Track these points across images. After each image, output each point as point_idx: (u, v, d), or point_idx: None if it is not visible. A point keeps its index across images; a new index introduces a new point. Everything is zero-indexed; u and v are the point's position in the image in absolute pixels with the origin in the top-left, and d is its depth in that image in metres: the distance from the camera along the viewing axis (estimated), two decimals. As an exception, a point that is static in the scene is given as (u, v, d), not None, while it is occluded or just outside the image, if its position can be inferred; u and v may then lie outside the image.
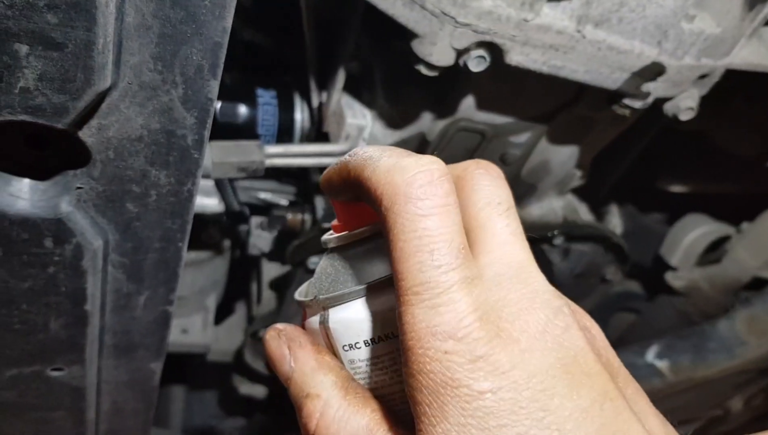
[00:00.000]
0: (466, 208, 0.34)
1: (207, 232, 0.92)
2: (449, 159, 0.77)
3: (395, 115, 0.72)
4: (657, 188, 1.27)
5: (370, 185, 0.32)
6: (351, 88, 0.74)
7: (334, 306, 0.35)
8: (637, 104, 0.65)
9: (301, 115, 0.86)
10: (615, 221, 1.12)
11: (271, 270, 0.96)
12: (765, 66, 0.73)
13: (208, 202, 0.92)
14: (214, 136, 0.85)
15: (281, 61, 0.90)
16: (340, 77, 0.74)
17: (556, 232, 0.85)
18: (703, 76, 0.66)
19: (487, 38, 0.56)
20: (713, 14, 0.61)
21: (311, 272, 0.83)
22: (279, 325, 0.38)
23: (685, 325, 1.32)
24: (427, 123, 0.72)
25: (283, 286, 0.89)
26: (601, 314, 1.51)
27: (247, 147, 0.66)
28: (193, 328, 1.07)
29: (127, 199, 0.44)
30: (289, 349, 0.37)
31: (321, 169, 0.80)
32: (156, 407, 1.43)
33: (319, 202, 0.82)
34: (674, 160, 1.23)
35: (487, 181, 0.35)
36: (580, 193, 1.06)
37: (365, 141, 0.75)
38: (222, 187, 0.90)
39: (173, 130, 0.40)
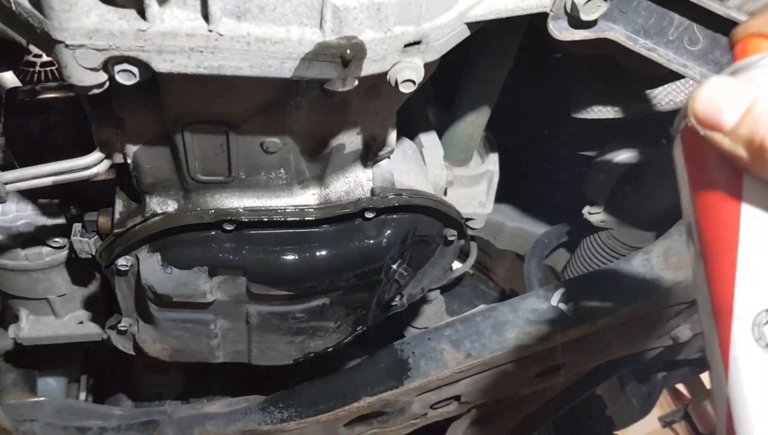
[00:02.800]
0: None
1: (50, 238, 0.96)
2: (207, 159, 0.74)
3: (134, 126, 0.70)
4: (576, 119, 1.18)
5: None
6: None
7: None
8: (338, 87, 0.59)
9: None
10: (492, 169, 1.05)
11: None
12: (517, 8, 0.65)
13: (45, 209, 0.95)
14: (15, 152, 0.86)
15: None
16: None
17: (367, 206, 0.81)
18: (414, 43, 0.59)
19: (115, 53, 0.53)
20: (391, -22, 0.55)
21: (122, 274, 0.84)
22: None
23: (615, 258, 1.24)
24: (165, 128, 0.70)
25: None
26: (543, 246, 1.45)
27: (-22, 178, 0.67)
28: (89, 319, 1.13)
29: None
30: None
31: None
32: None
33: (118, 206, 0.83)
34: (586, 87, 1.14)
35: None
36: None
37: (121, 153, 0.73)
38: (59, 198, 0.92)
39: None
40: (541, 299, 1.12)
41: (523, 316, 1.12)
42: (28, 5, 0.51)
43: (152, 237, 0.79)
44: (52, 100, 0.88)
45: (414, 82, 0.61)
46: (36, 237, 0.95)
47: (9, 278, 1.02)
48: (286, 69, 0.57)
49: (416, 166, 0.90)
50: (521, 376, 1.18)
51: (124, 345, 1.01)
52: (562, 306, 1.11)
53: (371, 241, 0.85)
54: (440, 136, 1.01)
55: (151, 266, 0.82)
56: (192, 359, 1.01)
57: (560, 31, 0.68)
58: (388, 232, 0.85)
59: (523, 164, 1.37)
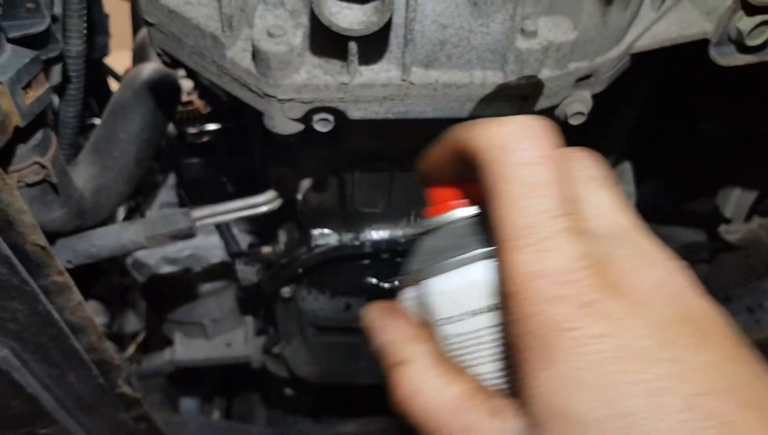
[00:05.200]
0: (571, 182, 0.31)
1: (212, 267, 1.03)
2: (371, 193, 0.79)
3: (310, 165, 0.76)
4: (705, 132, 1.17)
5: (471, 143, 0.31)
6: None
7: (430, 277, 0.35)
8: (511, 123, 0.63)
9: (262, 158, 0.92)
10: (628, 190, 1.05)
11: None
12: (680, 37, 0.67)
13: (208, 241, 1.03)
14: (185, 191, 0.95)
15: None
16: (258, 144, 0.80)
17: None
18: (585, 77, 0.62)
19: (318, 105, 0.58)
20: (568, 19, 0.58)
21: (286, 301, 0.90)
22: (379, 302, 0.38)
23: (752, 279, 1.20)
24: (338, 167, 0.75)
25: (270, 310, 0.98)
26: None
27: (174, 216, 0.74)
28: (236, 342, 1.20)
29: (5, 322, 0.55)
30: (388, 320, 0.36)
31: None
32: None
33: (281, 237, 0.89)
34: (718, 100, 1.12)
35: (588, 160, 0.34)
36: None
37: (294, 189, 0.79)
38: (220, 230, 1.00)
39: (-4, 278, 0.50)
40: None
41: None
42: (245, 65, 0.57)
43: (316, 266, 0.85)
44: (214, 141, 0.96)
45: (584, 114, 0.63)
46: (199, 266, 1.03)
47: (171, 304, 1.11)
48: (465, 110, 0.61)
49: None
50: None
51: (276, 367, 1.08)
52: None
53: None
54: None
55: (314, 293, 0.87)
56: (339, 381, 1.06)
57: (723, 56, 0.68)
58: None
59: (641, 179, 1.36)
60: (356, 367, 1.02)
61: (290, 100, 0.57)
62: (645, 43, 0.66)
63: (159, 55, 0.68)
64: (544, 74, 0.59)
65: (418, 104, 0.59)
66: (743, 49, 0.67)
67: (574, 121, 0.64)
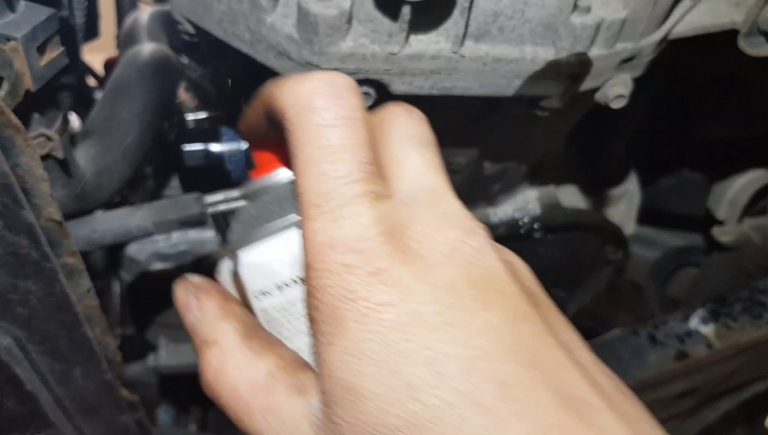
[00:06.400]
0: (382, 143, 0.32)
1: (208, 260, 0.98)
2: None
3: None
4: (698, 137, 1.18)
5: (277, 102, 0.30)
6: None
7: (243, 248, 0.33)
8: (555, 104, 0.61)
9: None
10: (633, 190, 1.05)
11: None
12: (712, 26, 0.66)
13: (204, 236, 0.98)
14: (185, 180, 0.89)
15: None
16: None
17: (535, 226, 0.82)
18: (629, 60, 0.61)
19: (361, 76, 0.55)
20: (618, -2, 0.56)
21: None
22: (189, 277, 0.37)
23: (743, 279, 1.22)
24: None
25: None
26: (662, 270, 1.43)
27: (186, 202, 0.69)
28: (225, 346, 1.14)
29: (14, 305, 0.49)
30: (196, 298, 0.35)
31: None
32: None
33: (289, 230, 0.84)
34: (711, 106, 1.13)
35: (405, 118, 0.33)
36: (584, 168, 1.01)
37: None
38: (217, 223, 0.94)
39: (15, 252, 0.44)
40: (679, 322, 1.11)
41: (662, 340, 1.10)
42: (287, 30, 0.53)
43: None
44: (216, 127, 0.91)
45: (625, 97, 0.62)
46: (192, 262, 0.97)
47: (159, 305, 1.04)
48: (512, 87, 0.58)
49: (573, 186, 0.91)
50: (659, 402, 1.15)
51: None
52: (702, 328, 1.09)
53: (538, 260, 0.85)
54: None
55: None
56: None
57: (752, 47, 0.68)
58: (553, 251, 0.85)
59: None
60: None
61: (334, 69, 0.54)
62: (681, 29, 0.65)
63: (178, 24, 0.63)
64: (594, 53, 0.57)
65: (465, 80, 0.57)
66: (774, 39, 0.67)
67: (616, 105, 0.62)
